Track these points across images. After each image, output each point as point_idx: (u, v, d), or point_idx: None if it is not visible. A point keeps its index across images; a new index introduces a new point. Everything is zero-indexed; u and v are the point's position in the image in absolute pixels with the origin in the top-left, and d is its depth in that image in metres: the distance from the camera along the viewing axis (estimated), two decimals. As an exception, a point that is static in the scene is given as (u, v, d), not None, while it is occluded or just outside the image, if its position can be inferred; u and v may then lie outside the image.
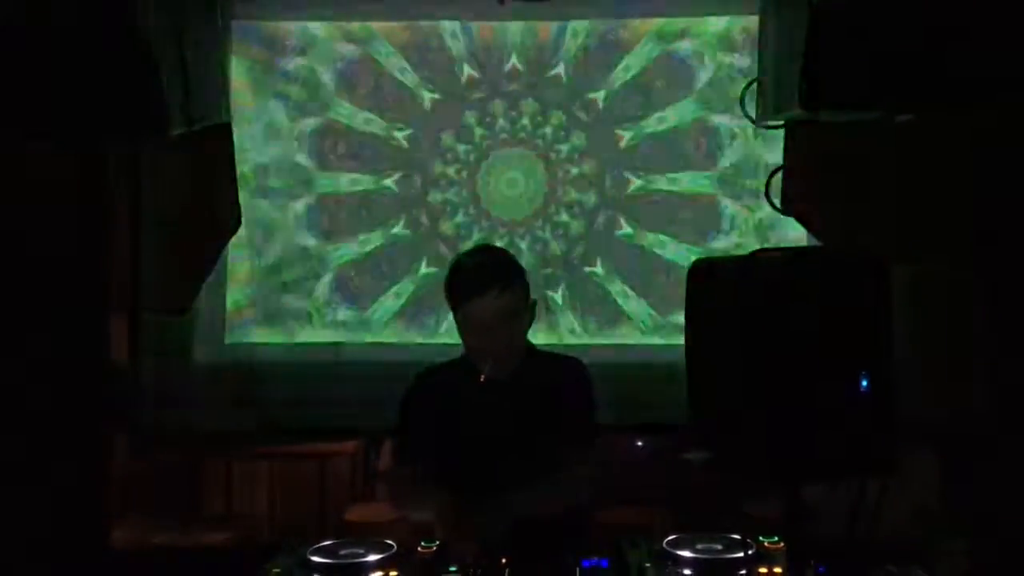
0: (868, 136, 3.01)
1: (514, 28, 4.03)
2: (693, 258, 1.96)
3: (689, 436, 1.85)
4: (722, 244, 3.95)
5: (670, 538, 2.04)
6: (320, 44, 4.03)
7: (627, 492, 3.63)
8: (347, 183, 4.09)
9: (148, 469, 4.24)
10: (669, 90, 4.05)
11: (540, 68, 4.04)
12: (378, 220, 4.09)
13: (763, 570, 1.93)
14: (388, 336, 4.06)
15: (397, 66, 4.04)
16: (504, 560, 2.00)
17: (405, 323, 4.07)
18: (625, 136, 4.04)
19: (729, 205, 3.98)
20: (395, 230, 4.09)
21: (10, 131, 2.63)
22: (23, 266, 2.82)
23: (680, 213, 4.04)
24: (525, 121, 4.04)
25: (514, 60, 4.03)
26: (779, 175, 3.46)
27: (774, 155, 3.70)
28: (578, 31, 4.02)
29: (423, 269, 4.08)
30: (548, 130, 4.04)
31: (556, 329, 4.02)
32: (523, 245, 4.02)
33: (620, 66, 4.04)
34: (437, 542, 2.10)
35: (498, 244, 3.78)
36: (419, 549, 2.07)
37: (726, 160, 4.01)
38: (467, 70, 4.03)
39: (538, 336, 2.77)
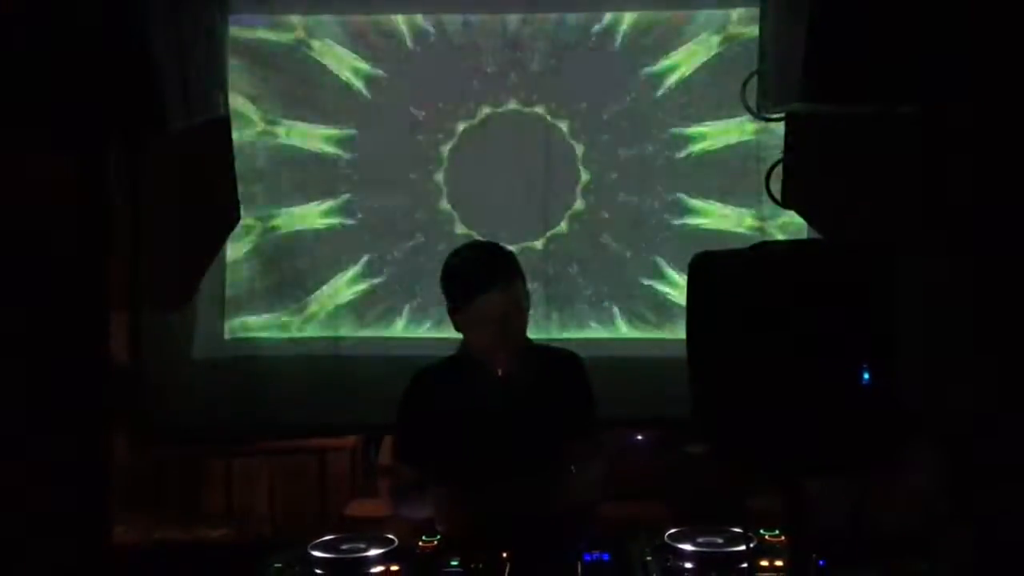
0: (870, 129, 3.00)
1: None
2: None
3: (690, 430, 1.85)
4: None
5: (671, 532, 2.04)
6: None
7: (628, 486, 3.63)
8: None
9: (148, 466, 4.25)
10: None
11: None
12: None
13: (764, 563, 1.93)
14: (387, 331, 4.05)
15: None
16: (505, 555, 2.00)
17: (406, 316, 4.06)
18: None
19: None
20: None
21: (9, 128, 2.62)
22: (21, 263, 2.81)
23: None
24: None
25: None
26: (779, 168, 3.45)
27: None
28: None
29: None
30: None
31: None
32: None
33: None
34: (438, 537, 2.09)
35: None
36: (420, 544, 2.07)
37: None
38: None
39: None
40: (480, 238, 3.59)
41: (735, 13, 3.68)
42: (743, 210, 3.76)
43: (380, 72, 3.84)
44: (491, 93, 3.80)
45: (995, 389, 2.84)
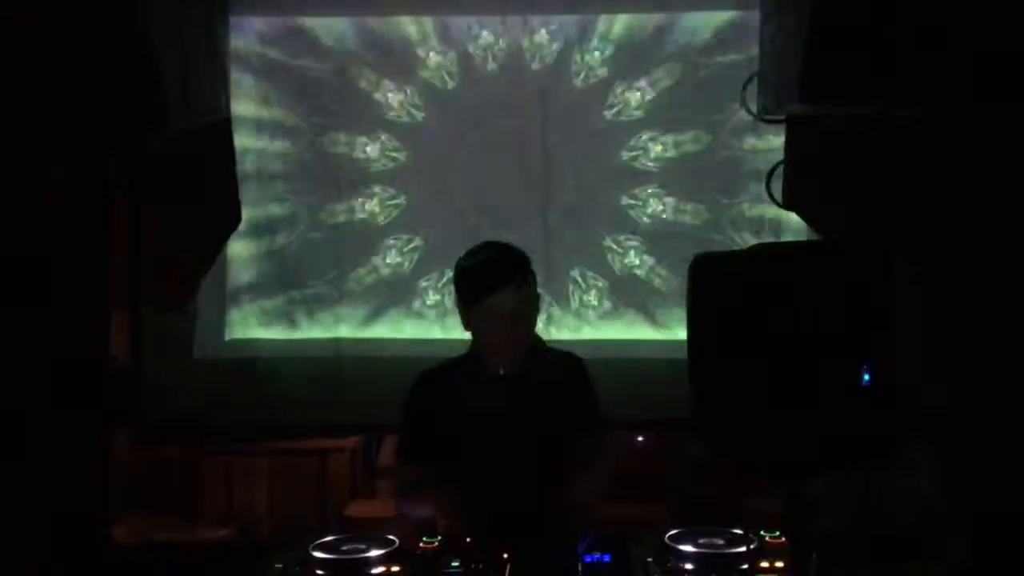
0: (870, 130, 3.00)
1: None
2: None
3: (691, 431, 1.85)
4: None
5: (672, 533, 2.04)
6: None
7: (629, 487, 3.62)
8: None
9: (149, 466, 4.25)
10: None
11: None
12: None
13: (765, 564, 1.93)
14: (390, 332, 4.05)
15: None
16: (506, 555, 2.00)
17: (407, 319, 4.06)
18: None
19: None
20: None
21: (9, 128, 2.62)
22: (23, 263, 2.81)
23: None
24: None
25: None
26: (780, 169, 3.45)
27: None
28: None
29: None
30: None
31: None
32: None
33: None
34: (439, 538, 2.09)
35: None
36: (421, 545, 2.07)
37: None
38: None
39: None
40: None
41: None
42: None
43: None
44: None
45: (994, 389, 2.85)
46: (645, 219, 3.90)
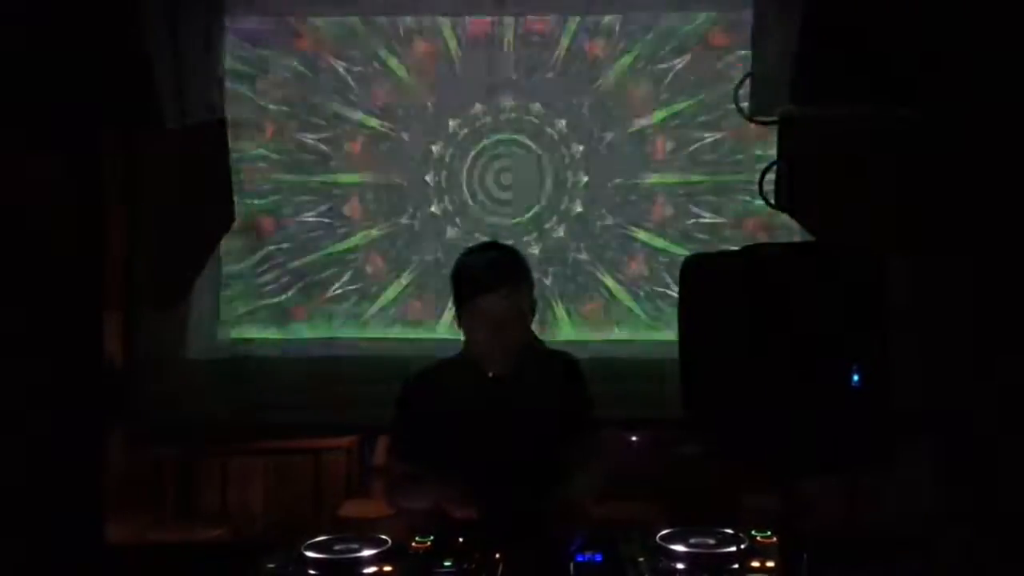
0: (862, 130, 3.01)
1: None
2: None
3: (682, 431, 1.86)
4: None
5: (663, 532, 2.05)
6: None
7: (621, 487, 3.63)
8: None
9: (143, 465, 4.25)
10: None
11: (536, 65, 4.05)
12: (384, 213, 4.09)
13: (756, 564, 1.93)
14: (384, 331, 4.06)
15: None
16: (498, 555, 2.00)
17: (401, 318, 4.06)
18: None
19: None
20: (403, 220, 4.09)
21: (8, 128, 2.62)
22: (19, 263, 2.81)
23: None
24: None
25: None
26: (773, 170, 3.46)
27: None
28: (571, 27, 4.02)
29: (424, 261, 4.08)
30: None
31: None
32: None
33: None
34: (431, 538, 2.10)
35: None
36: (414, 544, 2.07)
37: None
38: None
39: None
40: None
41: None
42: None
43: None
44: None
45: (992, 390, 2.85)
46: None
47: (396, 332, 4.06)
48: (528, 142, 4.05)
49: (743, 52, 3.72)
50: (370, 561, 1.99)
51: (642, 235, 4.04)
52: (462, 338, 2.55)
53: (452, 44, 4.02)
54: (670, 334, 3.69)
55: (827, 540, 1.89)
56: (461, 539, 2.08)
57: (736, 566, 1.93)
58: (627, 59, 4.01)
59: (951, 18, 2.40)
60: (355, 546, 2.04)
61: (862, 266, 1.73)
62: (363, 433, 4.47)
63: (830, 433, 1.69)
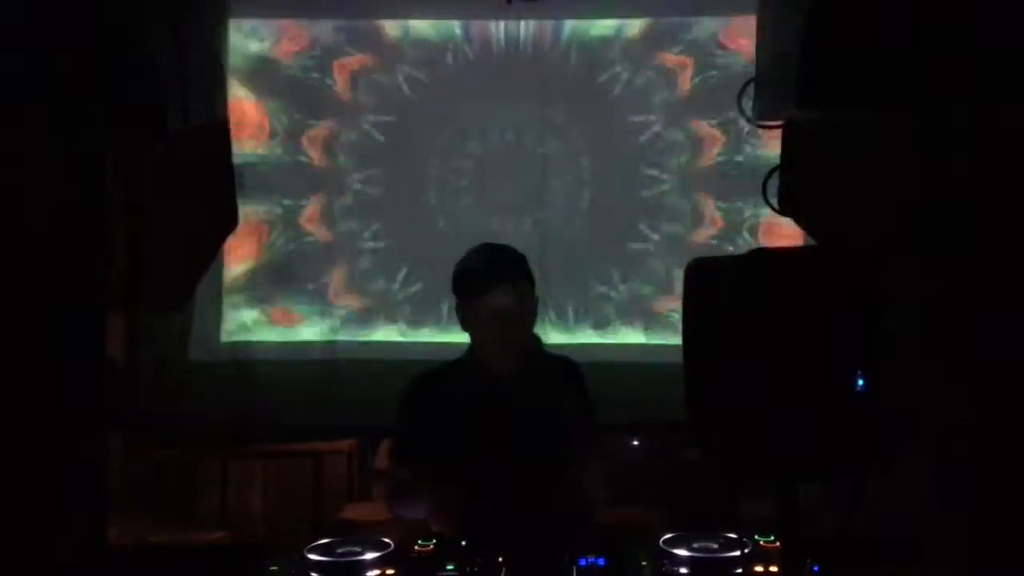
0: (867, 135, 3.01)
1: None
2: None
3: (685, 435, 1.85)
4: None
5: (667, 537, 2.05)
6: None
7: (624, 491, 3.62)
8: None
9: (144, 468, 4.24)
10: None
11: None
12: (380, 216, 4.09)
13: (759, 569, 1.93)
14: (385, 334, 4.06)
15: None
16: (501, 558, 2.00)
17: (401, 320, 4.06)
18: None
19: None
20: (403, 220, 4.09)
21: (8, 128, 2.62)
22: (18, 263, 2.81)
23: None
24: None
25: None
26: (777, 174, 3.46)
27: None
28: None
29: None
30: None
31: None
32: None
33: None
34: (434, 541, 2.09)
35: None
36: (416, 547, 2.07)
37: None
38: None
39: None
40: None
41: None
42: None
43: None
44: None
45: (991, 392, 2.85)
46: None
47: (397, 335, 4.05)
48: (531, 143, 4.06)
49: (748, 56, 3.73)
50: (373, 564, 1.99)
51: (645, 236, 4.04)
52: (464, 340, 2.55)
53: (456, 45, 4.02)
54: (673, 337, 3.70)
55: (830, 543, 1.89)
56: (464, 542, 2.08)
57: (739, 570, 1.93)
58: (629, 60, 4.02)
59: (955, 19, 2.39)
60: (358, 549, 2.04)
61: (865, 269, 1.73)
62: (364, 436, 4.48)
63: (835, 436, 1.69)
